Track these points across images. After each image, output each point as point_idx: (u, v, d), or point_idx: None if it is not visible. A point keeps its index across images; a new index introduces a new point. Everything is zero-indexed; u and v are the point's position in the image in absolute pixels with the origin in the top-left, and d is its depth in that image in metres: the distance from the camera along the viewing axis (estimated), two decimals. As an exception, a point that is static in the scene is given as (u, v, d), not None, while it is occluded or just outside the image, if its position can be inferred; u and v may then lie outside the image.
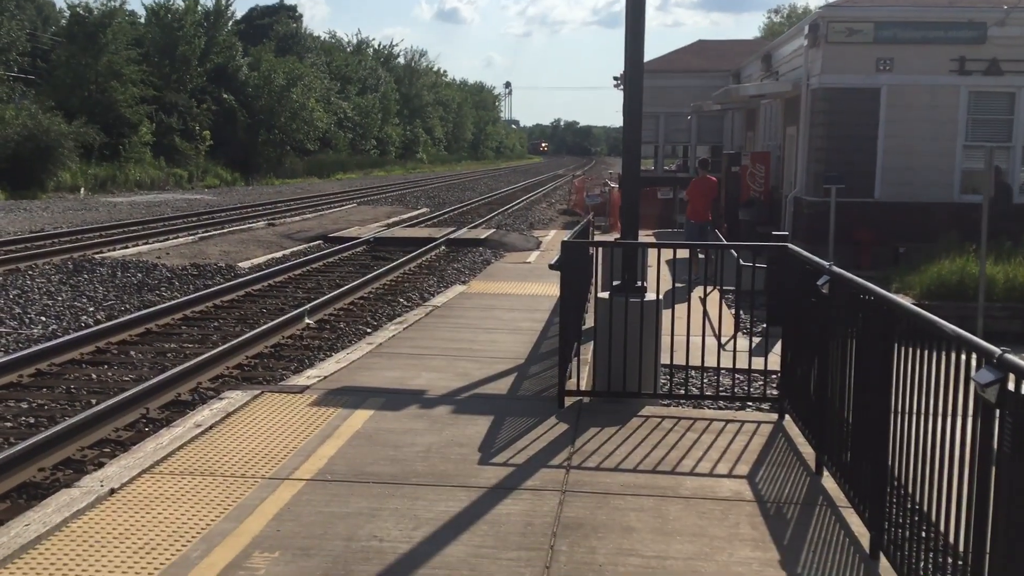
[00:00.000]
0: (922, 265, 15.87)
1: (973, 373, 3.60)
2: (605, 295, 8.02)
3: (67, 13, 47.80)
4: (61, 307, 13.62)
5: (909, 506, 4.52)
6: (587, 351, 8.91)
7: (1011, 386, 3.34)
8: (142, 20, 55.18)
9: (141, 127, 45.61)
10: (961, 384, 3.85)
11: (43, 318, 12.85)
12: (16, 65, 40.29)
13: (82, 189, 39.01)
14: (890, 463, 4.73)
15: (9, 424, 8.14)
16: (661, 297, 8.20)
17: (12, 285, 14.89)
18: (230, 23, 60.93)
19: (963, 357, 3.86)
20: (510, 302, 13.45)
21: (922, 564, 4.32)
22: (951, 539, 3.92)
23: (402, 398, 7.87)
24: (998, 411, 3.45)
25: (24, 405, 8.67)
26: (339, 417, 7.27)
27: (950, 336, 3.96)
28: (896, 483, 4.69)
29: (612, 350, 7.74)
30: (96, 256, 18.28)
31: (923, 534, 4.33)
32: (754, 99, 24.83)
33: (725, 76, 30.32)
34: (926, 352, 4.27)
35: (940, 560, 4.24)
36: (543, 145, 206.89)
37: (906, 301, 4.77)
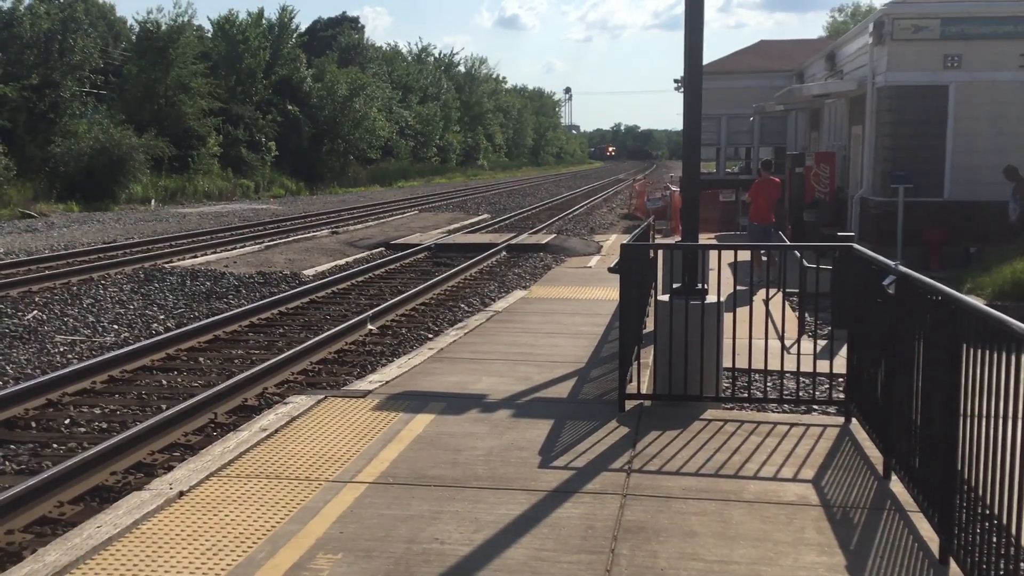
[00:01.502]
0: (995, 266, 15.45)
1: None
2: (665, 298, 7.97)
3: (137, 29, 49.09)
4: (133, 315, 13.97)
5: (979, 511, 4.41)
6: (648, 355, 8.86)
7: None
8: (209, 34, 56.43)
9: (209, 139, 46.59)
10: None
11: (115, 326, 13.19)
12: (88, 81, 41.47)
13: (152, 200, 39.98)
14: (960, 467, 4.61)
15: (83, 429, 8.37)
16: (723, 299, 8.12)
17: (86, 294, 15.33)
18: (294, 35, 61.97)
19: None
20: (571, 306, 13.43)
21: (993, 569, 4.20)
22: (1023, 543, 3.81)
23: (463, 402, 7.91)
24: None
25: (97, 411, 8.91)
26: (401, 421, 7.33)
27: (1019, 335, 3.85)
28: (966, 487, 4.57)
29: (673, 353, 7.68)
30: (166, 265, 18.72)
31: (994, 539, 4.22)
32: (818, 99, 24.45)
33: (788, 76, 29.92)
34: (996, 353, 4.16)
35: (1012, 566, 4.12)
36: (610, 149, 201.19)
37: (978, 302, 4.65)
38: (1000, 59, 18.09)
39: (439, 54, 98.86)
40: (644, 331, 9.88)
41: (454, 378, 8.83)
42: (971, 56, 18.20)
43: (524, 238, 25.50)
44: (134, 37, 49.35)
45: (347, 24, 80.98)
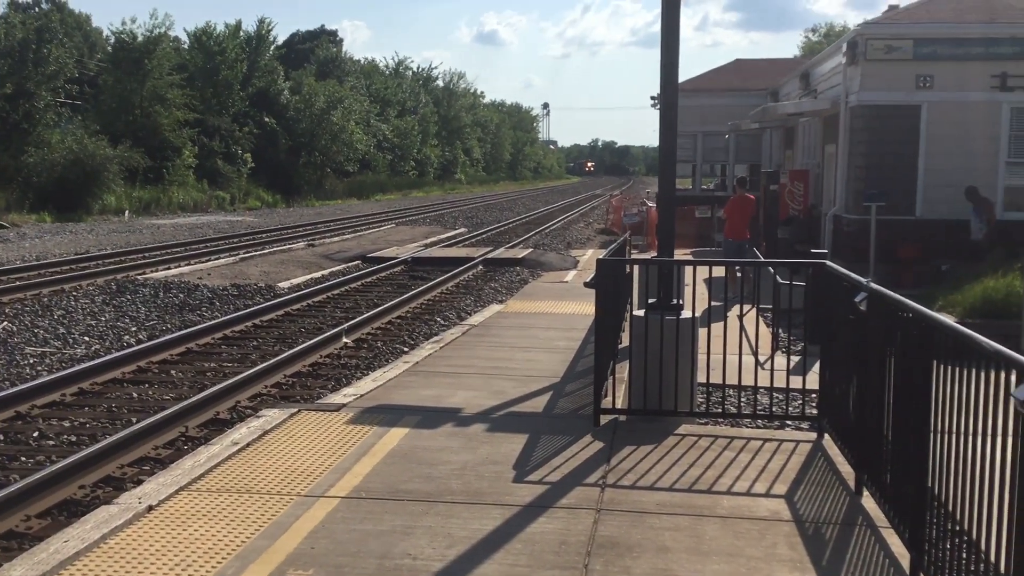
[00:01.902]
0: (966, 283, 15.61)
1: (1012, 389, 3.53)
2: (641, 313, 7.98)
3: (112, 40, 48.82)
4: (104, 327, 13.84)
5: (950, 526, 4.44)
6: (623, 370, 8.87)
7: (1052, 402, 3.27)
8: (185, 46, 56.22)
9: (184, 150, 46.36)
10: (1002, 402, 3.78)
11: (86, 338, 13.06)
12: (64, 91, 41.16)
13: (126, 212, 39.68)
14: (930, 483, 4.64)
15: (51, 442, 8.27)
16: (698, 315, 8.15)
17: (57, 306, 15.17)
18: (272, 48, 61.86)
19: (1003, 375, 3.79)
20: (547, 321, 13.43)
21: (963, 586, 4.22)
22: (992, 559, 3.84)
23: (438, 416, 7.88)
24: (1039, 428, 3.37)
25: (66, 423, 8.81)
26: (375, 435, 7.29)
27: (989, 353, 3.89)
28: (937, 503, 4.60)
29: (648, 368, 7.69)
30: (139, 277, 18.57)
31: (964, 555, 4.24)
32: (792, 117, 24.68)
33: (763, 95, 30.18)
34: (966, 370, 4.20)
35: (982, 582, 4.15)
36: (589, 164, 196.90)
37: (948, 319, 4.70)
38: (971, 80, 18.34)
39: (417, 68, 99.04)
40: (619, 346, 9.89)
41: (429, 392, 8.80)
42: (943, 76, 18.44)
43: (501, 252, 25.52)
44: (110, 48, 49.04)
45: (325, 37, 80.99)
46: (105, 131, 41.03)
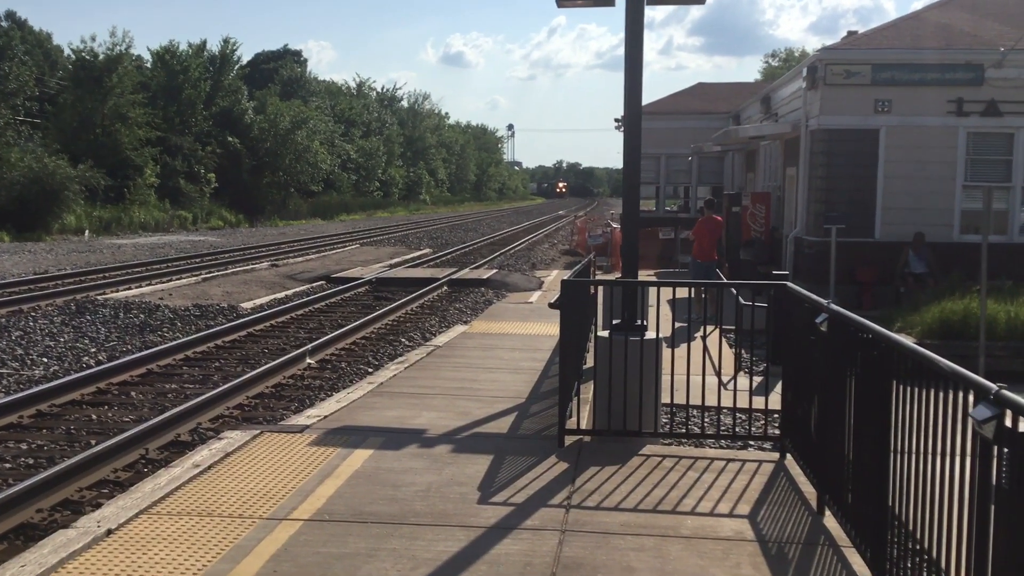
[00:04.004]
0: (924, 305, 15.87)
1: (970, 410, 3.59)
2: (605, 334, 8.02)
3: (73, 58, 48.38)
4: (63, 348, 13.63)
5: (911, 546, 4.49)
6: (588, 390, 8.89)
7: (1008, 422, 3.34)
8: (148, 64, 55.83)
9: (146, 170, 45.94)
10: (960, 422, 3.84)
11: (45, 359, 12.85)
12: (23, 109, 40.68)
13: (87, 231, 39.20)
14: (891, 502, 4.70)
15: (8, 465, 8.11)
16: (662, 336, 8.20)
17: (15, 327, 14.92)
18: (236, 67, 61.59)
19: (961, 395, 3.86)
20: (511, 342, 13.44)
21: (924, 604, 4.27)
22: (952, 578, 3.89)
23: (402, 437, 7.85)
24: (996, 447, 3.43)
25: (24, 446, 8.65)
26: (339, 456, 7.24)
27: (947, 373, 3.95)
28: (897, 522, 4.66)
29: (612, 389, 7.72)
30: (99, 297, 18.32)
31: (925, 574, 4.29)
32: (754, 140, 25.01)
33: (725, 118, 30.58)
34: (925, 390, 4.26)
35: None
36: (560, 185, 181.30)
37: (907, 340, 4.77)
38: (929, 105, 18.72)
39: (381, 89, 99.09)
40: (584, 367, 9.92)
41: (393, 413, 8.76)
42: (900, 101, 18.80)
43: (466, 273, 25.51)
44: (70, 66, 48.58)
45: (290, 57, 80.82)
46: (66, 150, 40.59)
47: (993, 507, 3.48)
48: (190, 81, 53.62)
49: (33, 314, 16.21)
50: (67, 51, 53.45)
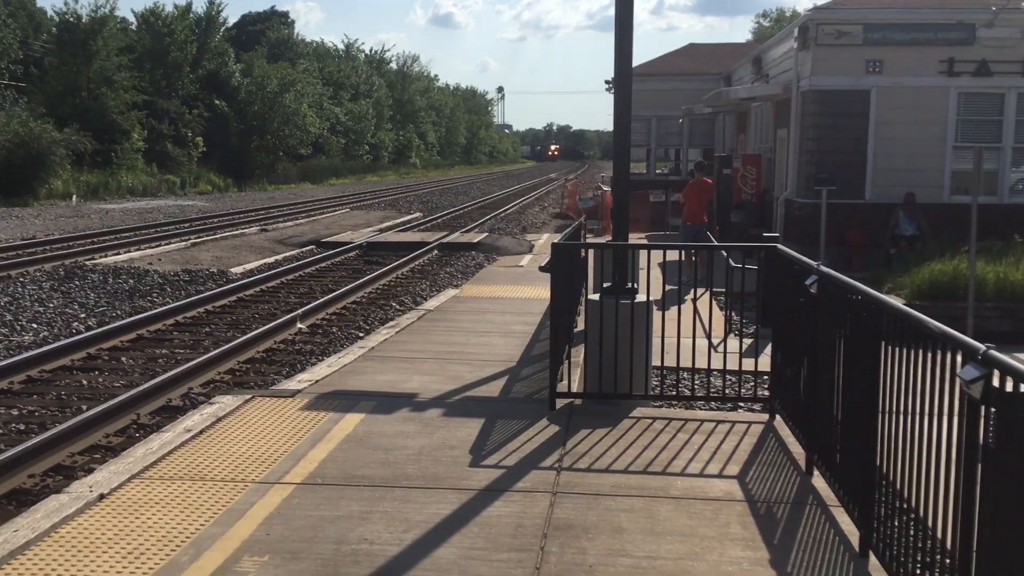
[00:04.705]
0: (913, 267, 15.90)
1: (959, 370, 3.61)
2: (596, 297, 8.02)
3: (57, 20, 47.75)
4: (52, 314, 13.59)
5: (898, 504, 4.53)
6: (579, 354, 8.92)
7: (996, 382, 3.35)
8: (133, 27, 55.14)
9: (133, 133, 45.52)
10: (948, 382, 3.86)
11: (34, 325, 12.81)
12: (8, 73, 40.20)
13: (74, 196, 38.92)
14: (879, 462, 4.74)
15: (-1, 431, 8.12)
16: (653, 299, 8.21)
17: (3, 292, 14.85)
18: (222, 29, 60.89)
19: (949, 355, 3.87)
20: (502, 305, 13.45)
21: (911, 561, 4.32)
22: (939, 535, 3.93)
23: (394, 401, 7.87)
24: (983, 407, 3.46)
25: (15, 412, 8.65)
26: (330, 421, 7.26)
27: (936, 334, 3.97)
28: (885, 482, 4.70)
29: (603, 352, 7.74)
30: (88, 263, 18.24)
31: (912, 532, 4.34)
32: (745, 102, 24.89)
33: (716, 79, 30.39)
34: (913, 351, 4.28)
35: (928, 558, 4.25)
36: (553, 148, 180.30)
37: (897, 301, 4.78)
38: (920, 65, 18.62)
39: (370, 51, 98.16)
40: (575, 330, 9.94)
41: (385, 377, 8.77)
42: (892, 61, 18.70)
43: (456, 237, 25.46)
44: (54, 29, 47.94)
45: (277, 19, 79.92)
46: (51, 114, 40.18)
47: (980, 466, 3.51)
48: (176, 43, 53.00)
49: (22, 280, 16.14)
50: (51, 13, 52.74)
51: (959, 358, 3.72)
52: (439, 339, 10.78)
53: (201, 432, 6.93)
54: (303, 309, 13.39)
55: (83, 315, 13.66)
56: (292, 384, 8.56)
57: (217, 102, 55.06)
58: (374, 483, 5.94)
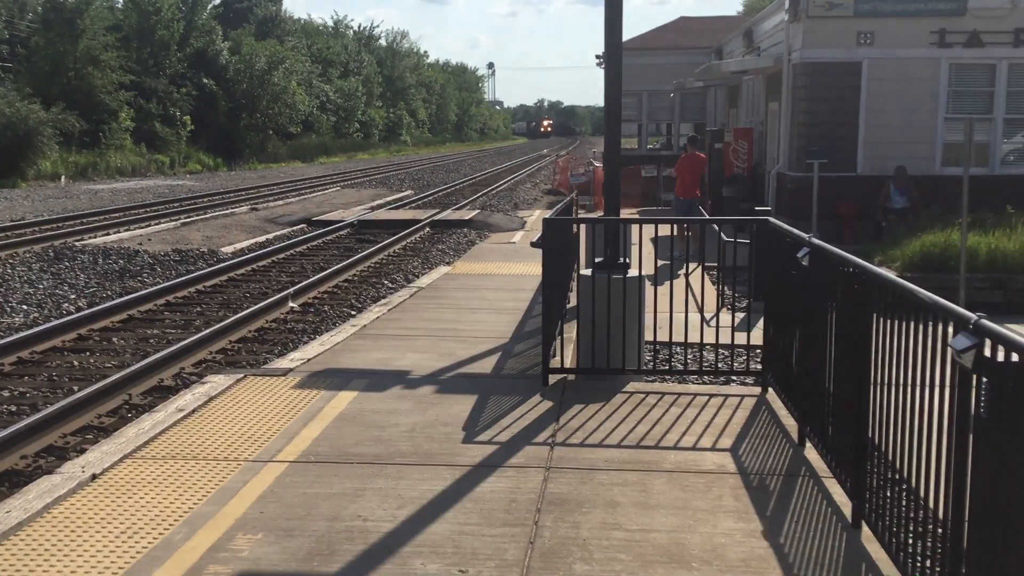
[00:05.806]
0: (904, 239, 15.91)
1: (950, 340, 3.61)
2: (588, 272, 8.01)
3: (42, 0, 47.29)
4: (42, 295, 13.53)
5: (890, 475, 4.55)
6: (571, 329, 8.91)
7: (987, 351, 3.35)
8: (119, 5, 54.62)
9: (121, 113, 45.22)
10: (939, 353, 3.86)
11: (24, 306, 12.76)
12: (-7, 53, 39.95)
13: (63, 177, 38.70)
14: (871, 433, 4.75)
15: (-10, 413, 8.09)
16: (645, 274, 8.19)
17: (-8, 274, 14.78)
18: (209, 7, 60.34)
19: (941, 326, 3.87)
20: (495, 282, 13.43)
21: (903, 531, 4.34)
22: (931, 506, 3.95)
23: (386, 379, 7.85)
24: (975, 376, 3.46)
25: (5, 393, 8.62)
26: (323, 399, 7.25)
27: (927, 304, 3.96)
28: (877, 453, 4.71)
29: (596, 327, 7.73)
30: (77, 243, 18.15)
31: (904, 502, 4.35)
32: (736, 75, 24.80)
33: (707, 53, 30.26)
34: (905, 322, 4.28)
35: (920, 528, 4.27)
36: (546, 124, 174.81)
37: (889, 273, 4.77)
38: (911, 36, 18.55)
39: (359, 27, 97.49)
40: (567, 306, 9.93)
41: (377, 355, 8.76)
42: (883, 33, 18.62)
43: (448, 214, 25.40)
44: (40, 8, 47.46)
45: (264, -5, 79.13)
46: (38, 94, 39.86)
47: (972, 436, 3.51)
48: (163, 22, 52.48)
49: (11, 261, 16.05)
50: (36, -7, 52.13)
51: (950, 328, 3.71)
52: (431, 316, 10.76)
53: (193, 411, 6.91)
54: (295, 288, 13.36)
55: (73, 296, 13.61)
56: (284, 363, 8.54)
57: (205, 81, 54.67)
58: (367, 460, 5.94)
